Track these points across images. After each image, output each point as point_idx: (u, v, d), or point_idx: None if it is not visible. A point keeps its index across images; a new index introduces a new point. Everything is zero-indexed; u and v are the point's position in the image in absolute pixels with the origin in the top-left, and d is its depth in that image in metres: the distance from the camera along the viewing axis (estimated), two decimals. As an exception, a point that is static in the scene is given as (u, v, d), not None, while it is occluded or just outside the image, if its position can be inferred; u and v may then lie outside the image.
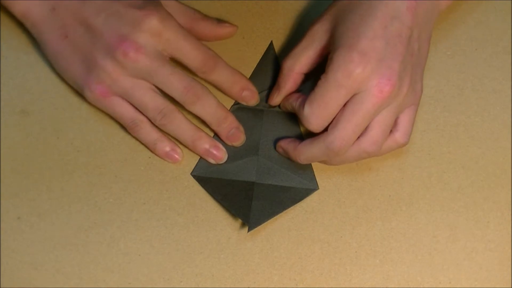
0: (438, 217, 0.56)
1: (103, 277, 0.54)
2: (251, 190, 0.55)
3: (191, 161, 0.57)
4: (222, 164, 0.56)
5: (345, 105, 0.51)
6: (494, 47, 0.61)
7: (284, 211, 0.55)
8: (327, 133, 0.52)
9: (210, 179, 0.56)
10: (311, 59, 0.55)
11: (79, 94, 0.57)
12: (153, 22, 0.52)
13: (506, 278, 0.54)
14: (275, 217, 0.55)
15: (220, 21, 0.58)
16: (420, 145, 0.58)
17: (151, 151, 0.56)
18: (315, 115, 0.52)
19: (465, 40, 0.61)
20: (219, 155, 0.56)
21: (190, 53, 0.53)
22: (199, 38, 0.55)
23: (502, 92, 0.59)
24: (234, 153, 0.57)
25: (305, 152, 0.54)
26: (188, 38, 0.53)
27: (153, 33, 0.52)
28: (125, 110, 0.54)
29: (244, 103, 0.58)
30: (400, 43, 0.51)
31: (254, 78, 0.59)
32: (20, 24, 0.58)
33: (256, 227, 0.54)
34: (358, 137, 0.52)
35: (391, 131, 0.54)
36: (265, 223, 0.55)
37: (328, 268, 0.54)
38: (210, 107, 0.55)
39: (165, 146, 0.55)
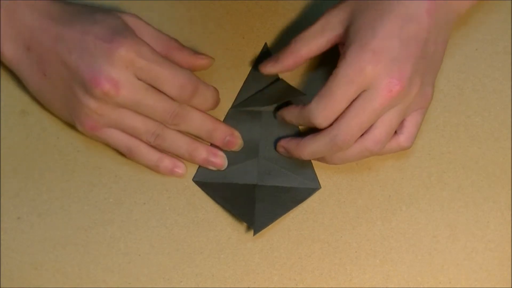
0: (438, 217, 0.56)
1: (103, 277, 0.54)
2: (253, 192, 0.55)
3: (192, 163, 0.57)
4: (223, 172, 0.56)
5: (353, 101, 0.51)
6: (494, 47, 0.61)
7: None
8: (332, 127, 0.52)
9: (212, 184, 0.56)
10: (320, 46, 0.55)
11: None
12: (122, 53, 0.50)
13: (506, 278, 0.54)
14: (275, 217, 0.55)
15: (196, 52, 0.57)
16: (420, 145, 0.58)
17: (155, 171, 0.56)
18: (322, 108, 0.52)
19: (465, 40, 0.61)
20: (219, 162, 0.56)
21: (167, 80, 0.52)
22: None
23: (502, 92, 0.59)
24: (234, 156, 0.56)
25: (309, 146, 0.53)
26: (163, 63, 0.52)
27: (125, 64, 0.51)
28: (118, 139, 0.54)
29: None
30: (415, 44, 0.51)
31: (249, 80, 0.59)
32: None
33: (261, 230, 0.54)
34: (362, 135, 0.52)
35: (395, 133, 0.54)
36: (265, 223, 0.55)
37: (328, 268, 0.54)
38: (195, 123, 0.54)
39: (167, 165, 0.55)
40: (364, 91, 0.51)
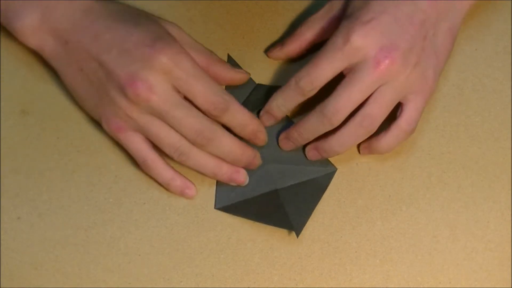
0: (438, 217, 0.56)
1: (103, 277, 0.54)
2: (278, 197, 0.55)
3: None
4: (239, 186, 0.56)
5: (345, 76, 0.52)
6: (494, 47, 0.61)
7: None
8: (322, 102, 0.52)
9: (235, 205, 0.56)
10: (324, 29, 0.55)
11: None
12: (163, 60, 0.50)
13: (506, 278, 0.54)
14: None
15: (233, 67, 0.57)
16: (420, 145, 0.58)
17: (165, 188, 0.55)
18: (307, 73, 0.52)
19: (465, 40, 0.61)
20: (242, 178, 0.55)
21: (200, 95, 0.52)
22: (213, 78, 0.54)
23: (502, 92, 0.59)
24: (245, 170, 0.56)
25: (304, 125, 0.54)
26: (200, 78, 0.52)
27: (164, 71, 0.50)
28: (139, 148, 0.53)
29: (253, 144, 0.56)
30: (410, 23, 0.51)
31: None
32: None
33: (302, 229, 0.54)
34: (355, 113, 0.52)
35: (395, 119, 0.53)
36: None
37: (328, 268, 0.54)
38: (222, 148, 0.53)
39: (178, 185, 0.55)
40: (356, 64, 0.51)
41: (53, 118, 0.57)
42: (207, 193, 0.56)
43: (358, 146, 0.57)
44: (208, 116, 0.52)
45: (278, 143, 0.57)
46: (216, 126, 0.53)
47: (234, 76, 0.56)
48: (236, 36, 0.61)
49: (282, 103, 0.55)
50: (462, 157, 0.57)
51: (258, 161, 0.55)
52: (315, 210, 0.56)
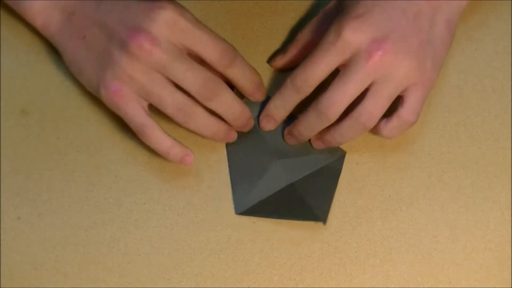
0: (438, 217, 0.56)
1: (103, 277, 0.54)
2: (296, 191, 0.56)
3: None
4: (254, 186, 0.56)
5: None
6: (494, 47, 0.61)
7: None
8: (318, 98, 0.53)
9: (255, 207, 0.55)
10: (324, 31, 0.55)
11: (80, 94, 0.57)
12: (167, 12, 0.50)
13: (506, 278, 0.54)
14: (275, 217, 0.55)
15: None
16: (420, 145, 0.58)
17: (163, 157, 0.54)
18: (302, 70, 0.53)
19: (465, 40, 0.61)
20: (234, 137, 0.56)
21: (207, 45, 0.52)
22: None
23: (502, 92, 0.59)
24: (256, 170, 0.56)
25: (303, 122, 0.54)
26: (205, 29, 0.52)
27: (168, 24, 0.51)
28: (136, 114, 0.52)
29: (252, 99, 0.57)
30: (403, 16, 0.52)
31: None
32: (20, 24, 0.58)
33: (327, 216, 0.55)
34: (352, 108, 0.52)
35: (396, 109, 0.53)
36: (264, 223, 0.55)
37: (328, 268, 0.54)
38: (226, 103, 0.53)
39: (178, 152, 0.54)
40: (350, 58, 0.51)
41: (53, 118, 0.57)
42: (207, 193, 0.56)
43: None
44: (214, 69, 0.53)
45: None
46: (219, 80, 0.53)
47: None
48: (236, 36, 0.61)
49: (280, 104, 0.55)
50: (462, 157, 0.57)
51: (252, 122, 0.56)
52: (315, 210, 0.56)
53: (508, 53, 0.60)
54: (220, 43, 0.52)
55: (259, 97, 0.57)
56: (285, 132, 0.57)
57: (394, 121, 0.53)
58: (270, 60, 0.60)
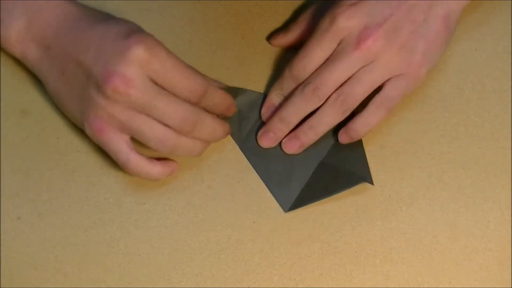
0: (438, 217, 0.56)
1: (103, 277, 0.54)
2: (328, 166, 0.56)
3: (192, 161, 0.56)
4: (289, 181, 0.56)
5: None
6: (494, 47, 0.61)
7: (285, 212, 0.56)
8: (305, 80, 0.54)
9: (300, 198, 0.56)
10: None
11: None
12: (139, 52, 0.49)
13: (506, 278, 0.54)
14: (275, 217, 0.55)
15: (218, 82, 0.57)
16: (420, 145, 0.58)
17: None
18: (300, 59, 0.54)
19: (465, 40, 0.61)
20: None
21: (179, 85, 0.51)
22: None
23: (502, 92, 0.59)
24: (283, 165, 0.57)
25: (290, 106, 0.55)
26: (177, 68, 0.51)
27: (141, 64, 0.50)
28: (119, 149, 0.52)
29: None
30: (398, 6, 0.53)
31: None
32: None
33: (369, 174, 0.56)
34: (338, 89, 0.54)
35: (377, 94, 0.54)
36: (264, 223, 0.55)
37: (328, 268, 0.54)
38: (208, 130, 0.53)
39: (166, 173, 0.54)
40: (339, 43, 0.53)
41: (53, 118, 0.57)
42: (207, 193, 0.56)
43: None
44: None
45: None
46: (198, 109, 0.53)
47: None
48: (236, 36, 0.61)
49: (280, 93, 0.56)
50: (462, 157, 0.57)
51: (229, 131, 0.56)
52: (315, 210, 0.56)
53: (508, 53, 0.60)
54: (191, 82, 0.52)
55: (229, 114, 0.57)
56: (275, 116, 0.57)
57: (370, 108, 0.54)
58: (269, 37, 0.60)
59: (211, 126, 0.53)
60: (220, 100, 0.55)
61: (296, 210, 0.56)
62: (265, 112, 0.58)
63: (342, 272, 0.54)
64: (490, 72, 0.60)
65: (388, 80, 0.54)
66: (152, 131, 0.52)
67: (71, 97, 0.53)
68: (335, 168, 0.56)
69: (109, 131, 0.52)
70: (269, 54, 0.60)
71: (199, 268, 0.54)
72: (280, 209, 0.56)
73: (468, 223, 0.56)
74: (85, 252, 0.54)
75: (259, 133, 0.57)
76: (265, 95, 0.58)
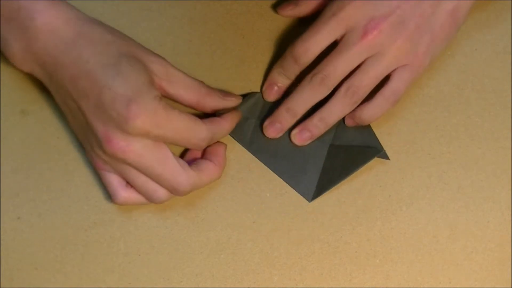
0: (438, 217, 0.56)
1: (103, 277, 0.54)
2: (339, 147, 0.57)
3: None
4: (304, 171, 0.56)
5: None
6: (494, 47, 0.61)
7: (285, 212, 0.56)
8: (312, 70, 0.55)
9: (320, 184, 0.56)
10: None
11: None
12: (138, 125, 0.49)
13: (506, 278, 0.54)
14: (275, 217, 0.55)
15: (223, 92, 0.56)
16: (420, 145, 0.58)
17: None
18: (304, 39, 0.54)
19: (465, 40, 0.61)
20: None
21: (180, 144, 0.52)
22: (205, 111, 0.55)
23: (502, 92, 0.59)
24: (294, 156, 0.57)
25: (297, 93, 0.55)
26: (178, 131, 0.51)
27: (139, 134, 0.49)
28: (116, 187, 0.53)
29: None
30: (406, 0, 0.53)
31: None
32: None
33: (380, 144, 0.57)
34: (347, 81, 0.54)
35: (382, 87, 0.55)
36: (264, 223, 0.55)
37: (328, 268, 0.54)
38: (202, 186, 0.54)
39: (164, 197, 0.53)
40: (346, 33, 0.53)
41: (53, 118, 0.57)
42: (207, 193, 0.56)
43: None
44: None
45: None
46: (197, 177, 0.52)
47: (226, 104, 0.55)
48: (236, 36, 0.61)
49: (281, 71, 0.56)
50: (462, 157, 0.57)
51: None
52: (315, 210, 0.56)
53: (508, 53, 0.60)
54: (192, 144, 0.52)
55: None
56: (281, 107, 0.56)
57: (377, 99, 0.55)
58: (277, 5, 0.61)
59: (207, 183, 0.54)
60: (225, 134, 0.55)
61: (296, 210, 0.56)
62: (266, 90, 0.58)
63: (342, 272, 0.54)
64: (490, 72, 0.60)
65: (394, 70, 0.54)
66: (144, 186, 0.52)
67: (76, 127, 0.54)
68: (346, 147, 0.57)
69: (104, 169, 0.53)
70: (269, 54, 0.60)
71: (199, 268, 0.54)
72: (280, 209, 0.56)
73: (468, 223, 0.56)
74: (85, 252, 0.54)
75: (265, 123, 0.57)
76: (260, 93, 0.58)
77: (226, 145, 0.55)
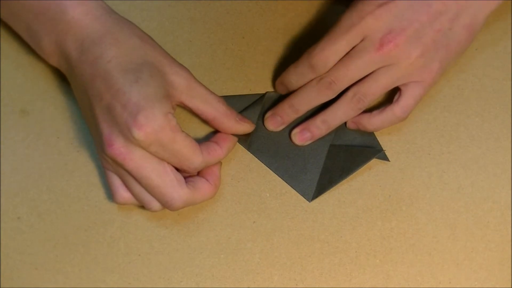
0: (438, 217, 0.56)
1: (103, 277, 0.54)
2: (340, 146, 0.57)
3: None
4: (304, 171, 0.56)
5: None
6: (494, 47, 0.61)
7: (285, 212, 0.56)
8: (324, 74, 0.54)
9: (320, 184, 0.56)
10: None
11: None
12: (140, 137, 0.49)
13: (506, 278, 0.54)
14: (275, 217, 0.55)
15: (240, 116, 0.55)
16: (420, 145, 0.58)
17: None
18: (321, 48, 0.53)
19: (465, 40, 0.61)
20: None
21: (176, 165, 0.52)
22: (218, 130, 0.54)
23: (502, 92, 0.59)
24: (295, 157, 0.57)
25: (301, 93, 0.55)
26: (177, 153, 0.50)
27: (141, 145, 0.49)
28: (117, 187, 0.53)
29: None
30: (426, 12, 0.52)
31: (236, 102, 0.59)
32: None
33: (379, 144, 0.57)
34: (355, 87, 0.54)
35: (392, 102, 0.54)
36: (264, 223, 0.55)
37: (328, 268, 0.54)
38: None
39: (158, 207, 0.53)
40: (362, 41, 0.52)
41: (53, 118, 0.57)
42: (207, 193, 0.56)
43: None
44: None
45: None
46: (192, 195, 0.52)
47: (239, 130, 0.55)
48: (236, 36, 0.61)
49: (295, 79, 0.56)
50: (462, 157, 0.57)
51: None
52: (315, 210, 0.56)
53: (508, 53, 0.60)
54: (188, 167, 0.52)
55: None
56: (284, 101, 0.56)
57: (387, 113, 0.55)
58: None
59: (200, 202, 0.53)
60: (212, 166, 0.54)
61: (295, 210, 0.56)
62: (277, 87, 0.58)
63: (342, 272, 0.54)
64: (490, 72, 0.60)
65: (405, 84, 0.54)
66: (140, 194, 0.52)
67: (88, 120, 0.54)
68: (346, 147, 0.57)
69: (108, 168, 0.53)
70: (269, 54, 0.60)
71: (199, 268, 0.54)
72: (280, 209, 0.56)
73: (468, 223, 0.56)
74: (85, 252, 0.54)
75: (267, 114, 0.57)
76: (261, 95, 0.58)
77: (221, 164, 0.55)
